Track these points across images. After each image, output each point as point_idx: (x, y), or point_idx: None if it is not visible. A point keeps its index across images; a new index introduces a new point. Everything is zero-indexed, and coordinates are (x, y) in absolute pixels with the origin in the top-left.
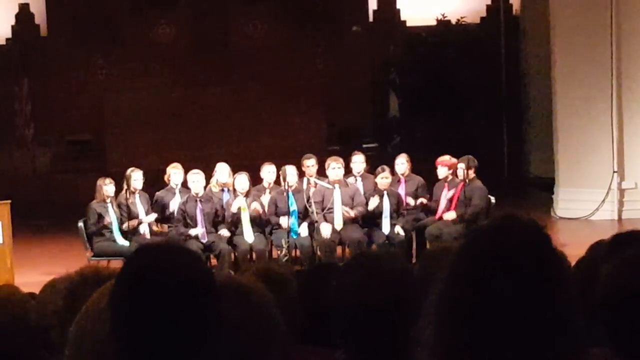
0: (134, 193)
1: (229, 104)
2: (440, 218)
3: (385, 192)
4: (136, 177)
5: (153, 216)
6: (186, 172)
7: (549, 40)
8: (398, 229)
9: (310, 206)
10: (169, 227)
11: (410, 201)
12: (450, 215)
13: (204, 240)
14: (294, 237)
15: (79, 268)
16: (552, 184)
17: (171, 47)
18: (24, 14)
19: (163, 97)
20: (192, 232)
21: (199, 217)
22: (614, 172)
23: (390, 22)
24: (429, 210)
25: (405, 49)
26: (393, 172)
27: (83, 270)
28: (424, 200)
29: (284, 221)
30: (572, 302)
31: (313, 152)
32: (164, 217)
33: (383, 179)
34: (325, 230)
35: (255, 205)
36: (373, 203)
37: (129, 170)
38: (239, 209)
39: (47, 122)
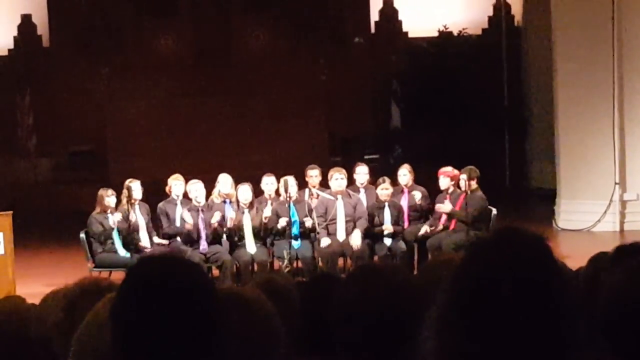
0: (134, 204)
1: (231, 115)
2: (443, 229)
3: (386, 204)
4: (135, 188)
5: (160, 240)
6: (187, 183)
7: (551, 51)
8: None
9: (312, 217)
10: (170, 241)
11: (417, 195)
12: (445, 207)
13: (205, 250)
14: (296, 248)
15: (78, 279)
16: (554, 195)
17: (173, 58)
18: (26, 25)
19: (165, 107)
20: (186, 221)
21: (201, 226)
22: (616, 183)
23: (392, 33)
24: (434, 219)
25: (407, 60)
26: (395, 183)
27: (82, 281)
28: (450, 206)
29: (282, 221)
30: (574, 313)
31: (314, 163)
32: (168, 227)
33: (384, 190)
34: (325, 242)
35: (268, 213)
36: (378, 228)
37: (127, 181)
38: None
39: (49, 132)
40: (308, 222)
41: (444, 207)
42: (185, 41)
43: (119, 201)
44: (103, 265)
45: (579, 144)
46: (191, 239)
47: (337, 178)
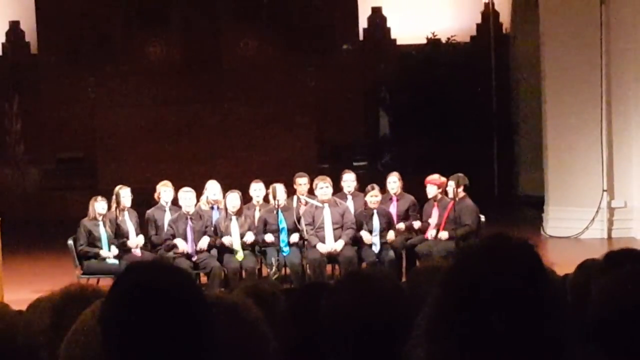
0: (123, 210)
1: (220, 122)
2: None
3: (375, 211)
4: (125, 194)
5: (141, 239)
6: (176, 189)
7: (539, 58)
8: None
9: (300, 225)
10: (157, 249)
11: (401, 226)
12: (444, 235)
13: (193, 257)
14: (284, 254)
15: (64, 286)
16: (542, 202)
17: (162, 65)
18: (14, 31)
19: (154, 114)
20: (177, 242)
21: (189, 235)
22: (604, 190)
23: (380, 40)
24: (420, 228)
25: (396, 68)
26: (383, 190)
27: (68, 288)
28: (419, 224)
29: (269, 237)
30: (563, 320)
31: (303, 170)
32: (155, 234)
33: (372, 197)
34: (322, 248)
35: (249, 236)
36: (366, 238)
37: (117, 188)
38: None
39: (37, 139)
40: (294, 238)
41: (443, 234)
42: (174, 48)
43: (108, 207)
44: (91, 272)
45: (567, 151)
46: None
47: (322, 187)
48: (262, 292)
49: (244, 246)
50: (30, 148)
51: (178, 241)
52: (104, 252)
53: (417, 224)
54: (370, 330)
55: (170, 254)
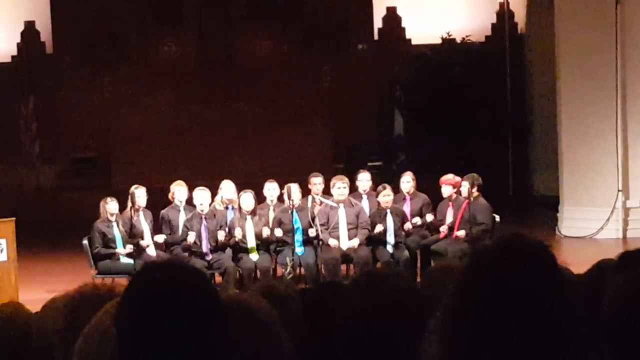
0: (138, 211)
1: (235, 122)
2: (445, 236)
3: (388, 211)
4: (140, 194)
5: (161, 237)
6: (191, 189)
7: (554, 58)
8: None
9: (314, 225)
10: (172, 248)
11: (417, 220)
12: (461, 233)
13: (207, 256)
14: (299, 255)
15: (78, 286)
16: (557, 202)
17: (177, 65)
18: (29, 32)
19: (169, 115)
20: (189, 238)
21: (204, 234)
22: (619, 190)
23: (395, 40)
24: (434, 228)
25: (411, 68)
26: (397, 190)
27: (82, 288)
28: (431, 217)
29: (278, 232)
30: (577, 320)
31: (318, 170)
32: (169, 234)
33: (385, 197)
34: (333, 242)
35: (265, 230)
36: (378, 229)
37: (132, 188)
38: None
39: (52, 139)
40: (311, 232)
41: (460, 233)
42: (189, 48)
43: (123, 207)
44: (106, 272)
45: (582, 151)
46: (191, 249)
47: (340, 187)
48: (277, 292)
49: (259, 242)
50: (45, 148)
51: (189, 235)
52: (119, 250)
53: (429, 217)
54: (383, 329)
55: (185, 253)
